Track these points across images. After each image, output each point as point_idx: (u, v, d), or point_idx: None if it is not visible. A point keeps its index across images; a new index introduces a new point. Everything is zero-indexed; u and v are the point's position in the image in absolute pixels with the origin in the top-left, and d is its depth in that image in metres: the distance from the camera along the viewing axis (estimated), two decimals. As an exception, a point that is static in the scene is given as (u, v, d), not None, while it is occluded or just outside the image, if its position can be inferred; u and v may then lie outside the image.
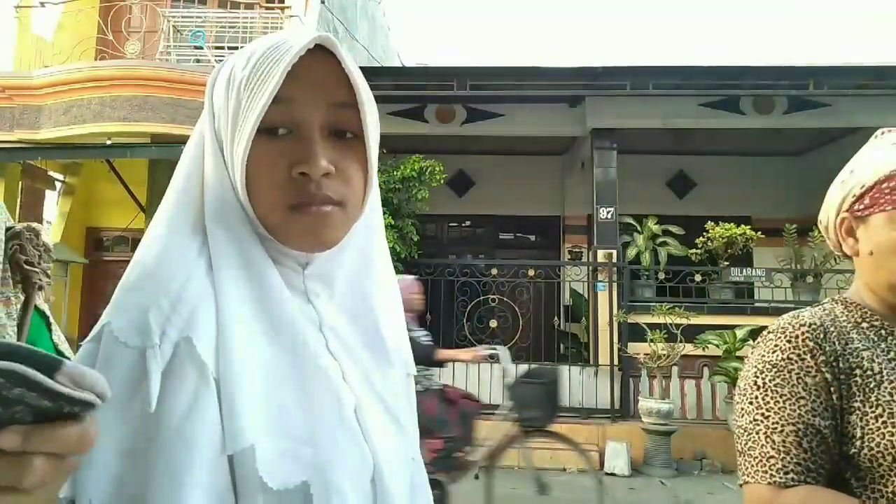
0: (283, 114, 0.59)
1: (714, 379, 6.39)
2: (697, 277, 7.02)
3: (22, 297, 1.07)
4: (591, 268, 7.37)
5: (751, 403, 0.93)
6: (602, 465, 5.96)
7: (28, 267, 1.06)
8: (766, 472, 0.88)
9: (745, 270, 7.11)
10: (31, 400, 0.38)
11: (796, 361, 0.92)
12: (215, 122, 0.62)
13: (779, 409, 0.90)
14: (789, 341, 0.94)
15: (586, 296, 7.64)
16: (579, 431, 6.31)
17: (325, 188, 0.59)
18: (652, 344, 6.27)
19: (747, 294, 7.24)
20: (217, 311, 0.56)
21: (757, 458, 0.90)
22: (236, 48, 8.46)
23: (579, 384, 6.79)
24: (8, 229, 1.06)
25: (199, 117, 0.65)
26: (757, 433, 0.91)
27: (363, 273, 0.68)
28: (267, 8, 8.25)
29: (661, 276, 7.13)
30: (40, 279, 1.09)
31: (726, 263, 7.04)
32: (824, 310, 0.98)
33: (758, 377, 0.93)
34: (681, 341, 6.19)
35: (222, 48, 8.02)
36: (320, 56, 0.59)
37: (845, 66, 7.61)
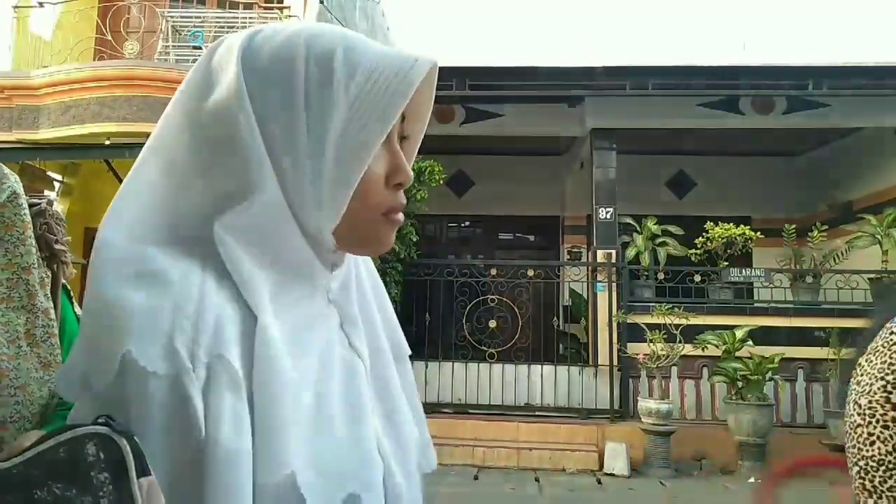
0: None
1: (713, 379, 6.39)
2: (697, 278, 7.02)
3: (50, 275, 1.02)
4: (590, 268, 7.37)
5: (886, 427, 0.72)
6: (601, 465, 5.96)
7: (58, 246, 1.02)
8: None
9: (744, 270, 7.12)
10: (105, 495, 0.37)
11: None
12: (267, 123, 0.55)
13: None
14: None
15: (586, 296, 7.64)
16: (578, 432, 6.32)
17: (403, 196, 0.61)
18: (651, 344, 6.27)
19: (747, 294, 7.23)
20: (242, 322, 0.53)
21: None
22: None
23: (579, 384, 6.79)
24: (31, 206, 1.00)
25: (173, 101, 0.59)
26: None
27: (364, 266, 0.70)
28: (266, 8, 8.24)
29: (661, 276, 7.12)
30: (66, 256, 1.04)
31: (726, 263, 7.04)
32: None
33: (892, 393, 0.73)
34: (680, 342, 6.18)
35: (221, 48, 8.00)
36: None
37: (845, 66, 7.61)
